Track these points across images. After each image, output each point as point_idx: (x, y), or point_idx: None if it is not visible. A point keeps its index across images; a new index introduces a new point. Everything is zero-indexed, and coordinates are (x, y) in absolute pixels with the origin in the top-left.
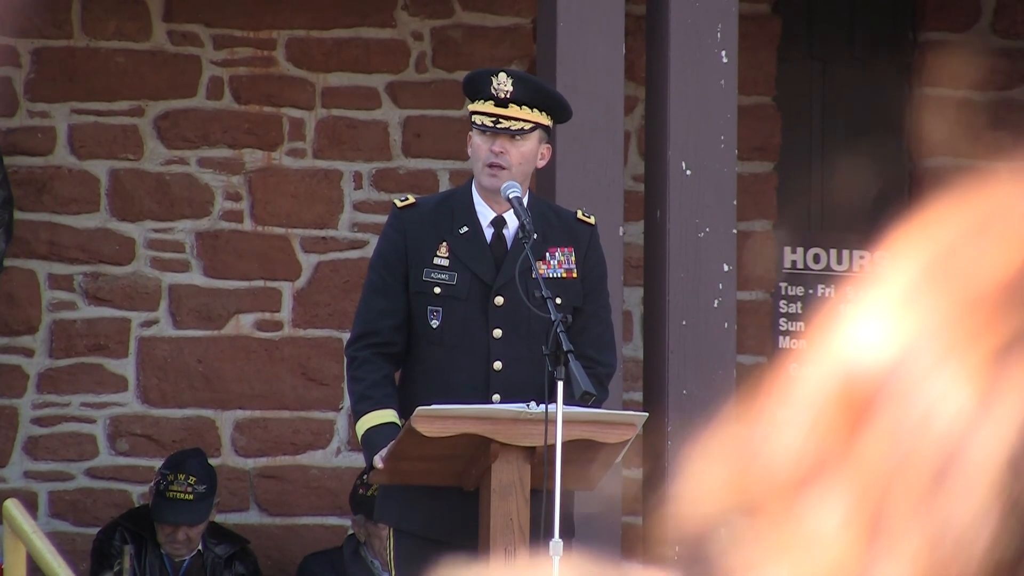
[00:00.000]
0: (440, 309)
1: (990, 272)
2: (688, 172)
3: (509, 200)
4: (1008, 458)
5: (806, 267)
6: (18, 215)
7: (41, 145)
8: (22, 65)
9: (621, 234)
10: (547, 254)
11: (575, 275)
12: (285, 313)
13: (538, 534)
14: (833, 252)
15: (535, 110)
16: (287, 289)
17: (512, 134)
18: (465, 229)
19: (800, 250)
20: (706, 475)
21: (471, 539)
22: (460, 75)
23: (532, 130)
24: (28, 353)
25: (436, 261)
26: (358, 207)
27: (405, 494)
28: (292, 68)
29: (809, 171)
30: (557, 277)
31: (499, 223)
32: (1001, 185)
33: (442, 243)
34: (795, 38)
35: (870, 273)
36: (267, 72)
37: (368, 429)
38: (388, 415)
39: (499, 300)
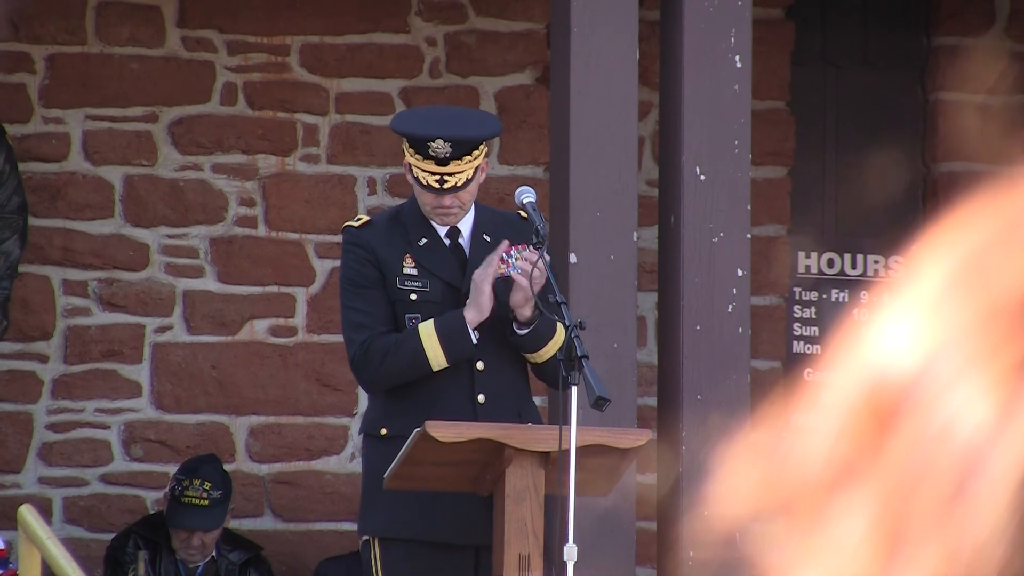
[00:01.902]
0: (419, 315)
1: (1014, 279)
2: (702, 177)
3: (524, 206)
4: None
5: (820, 272)
6: (32, 221)
7: (55, 151)
8: (36, 71)
9: (635, 239)
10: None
11: None
12: (299, 319)
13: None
14: (847, 257)
15: (473, 153)
16: (301, 295)
17: (459, 189)
18: (424, 240)
19: (814, 255)
20: (734, 480)
21: (467, 540)
22: (474, 80)
23: (476, 172)
24: (43, 359)
25: (406, 271)
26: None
27: (392, 501)
28: (306, 74)
29: (823, 176)
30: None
31: (454, 233)
32: (1020, 190)
33: (406, 255)
34: (809, 43)
35: (892, 279)
36: (281, 78)
37: (428, 326)
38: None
39: None
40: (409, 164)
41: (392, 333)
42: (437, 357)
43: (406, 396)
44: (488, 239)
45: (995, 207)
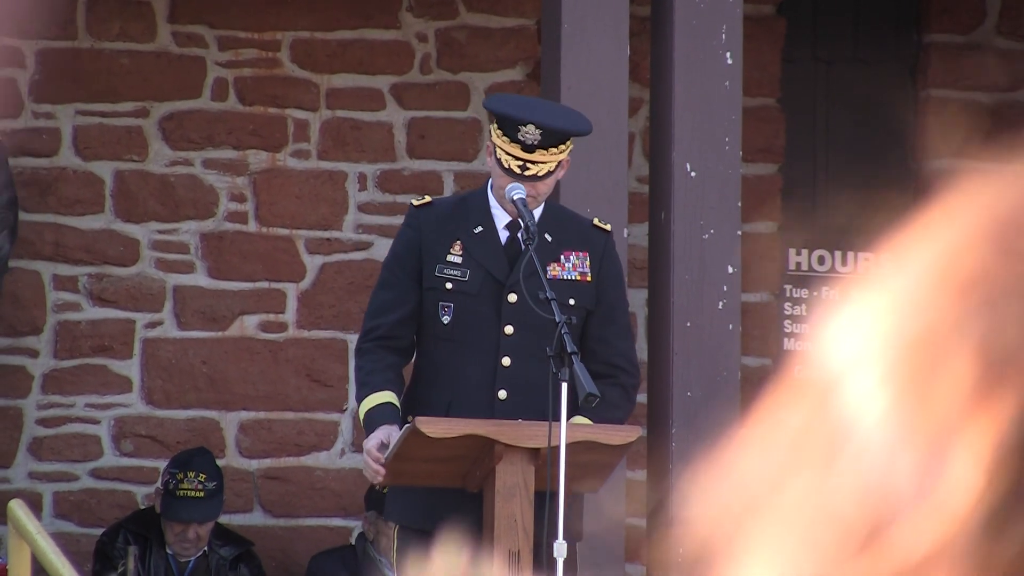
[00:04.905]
0: (451, 305)
1: (996, 276)
2: (692, 174)
3: (513, 202)
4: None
5: (811, 269)
6: (23, 216)
7: (46, 146)
8: (27, 66)
9: (626, 236)
10: (561, 256)
11: (589, 279)
12: (289, 314)
13: (542, 535)
14: (838, 254)
15: (560, 146)
16: (291, 290)
17: (539, 179)
18: (480, 229)
19: (805, 252)
20: (721, 485)
21: (474, 533)
22: (465, 76)
23: (557, 166)
24: (33, 354)
25: (449, 258)
26: (363, 208)
27: (409, 490)
28: (296, 69)
29: (813, 173)
30: (571, 279)
31: (514, 226)
32: (1006, 187)
33: (456, 241)
34: (800, 39)
35: (878, 275)
36: (271, 73)
37: (368, 411)
38: (385, 396)
39: (512, 297)
40: (494, 145)
41: (382, 352)
42: (360, 417)
43: (432, 385)
44: (549, 239)
45: (977, 202)
